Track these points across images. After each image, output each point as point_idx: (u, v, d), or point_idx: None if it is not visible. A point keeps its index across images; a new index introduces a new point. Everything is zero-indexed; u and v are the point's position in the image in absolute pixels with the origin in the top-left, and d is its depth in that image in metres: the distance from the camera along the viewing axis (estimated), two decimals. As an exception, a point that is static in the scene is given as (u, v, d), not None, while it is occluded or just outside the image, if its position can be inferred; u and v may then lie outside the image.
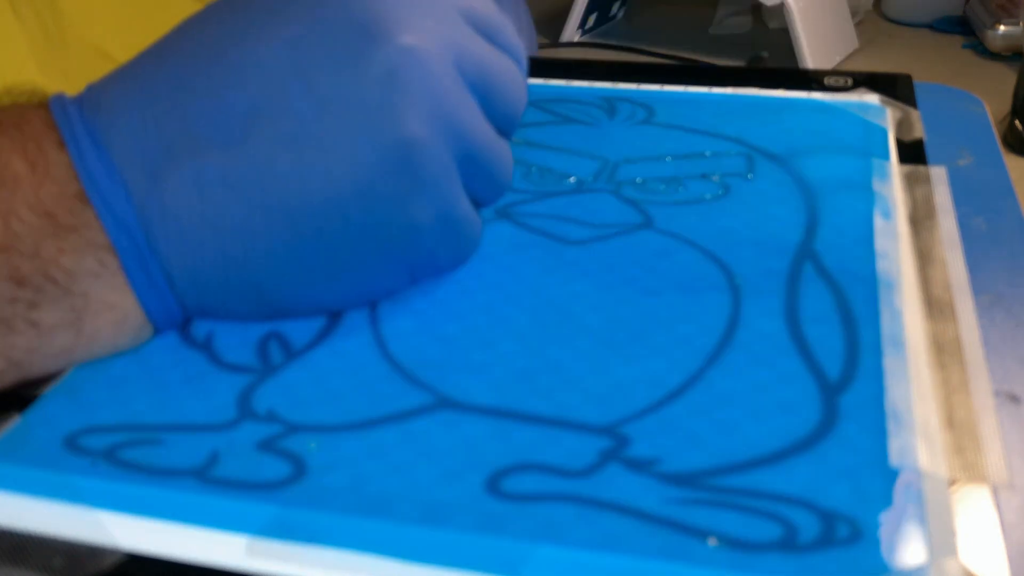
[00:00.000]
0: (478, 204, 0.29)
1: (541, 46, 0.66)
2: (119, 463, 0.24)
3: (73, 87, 0.27)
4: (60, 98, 0.26)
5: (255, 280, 0.27)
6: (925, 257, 0.31)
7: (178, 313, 0.27)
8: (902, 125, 0.41)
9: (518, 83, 0.28)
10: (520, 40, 0.29)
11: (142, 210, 0.25)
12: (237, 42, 0.25)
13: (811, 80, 0.45)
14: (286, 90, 0.25)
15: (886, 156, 0.38)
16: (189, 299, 0.27)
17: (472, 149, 0.27)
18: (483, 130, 0.27)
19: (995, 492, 0.22)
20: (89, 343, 0.26)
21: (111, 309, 0.26)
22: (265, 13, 0.26)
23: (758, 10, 0.70)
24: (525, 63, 0.29)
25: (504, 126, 0.28)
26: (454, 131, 0.26)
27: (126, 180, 0.25)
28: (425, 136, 0.25)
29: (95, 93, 0.26)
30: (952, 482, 0.23)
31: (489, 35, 0.28)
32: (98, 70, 0.27)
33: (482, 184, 0.28)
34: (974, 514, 0.22)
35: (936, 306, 0.29)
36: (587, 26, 0.69)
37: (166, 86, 0.26)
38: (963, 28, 0.67)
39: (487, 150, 0.27)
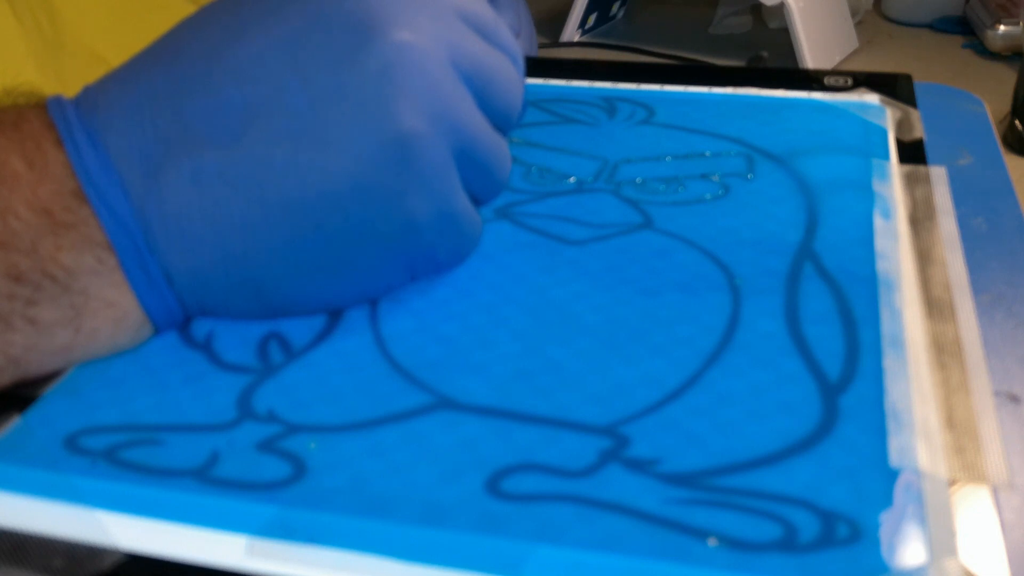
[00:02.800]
0: (477, 202, 0.29)
1: (541, 46, 0.66)
2: (119, 463, 0.24)
3: (69, 89, 0.27)
4: (58, 99, 0.26)
5: (254, 277, 0.27)
6: (925, 257, 0.31)
7: (177, 311, 0.27)
8: (902, 125, 0.41)
9: (514, 81, 0.28)
10: (516, 40, 0.29)
11: (140, 208, 0.25)
12: (233, 40, 0.26)
13: (811, 80, 0.45)
14: (282, 86, 0.25)
15: (886, 156, 0.38)
16: (188, 297, 0.27)
17: (469, 144, 0.27)
18: (480, 125, 0.27)
19: (995, 492, 0.22)
20: (88, 341, 0.26)
21: (110, 307, 0.26)
22: (260, 12, 0.26)
23: (758, 10, 0.70)
24: (522, 63, 0.30)
25: (501, 123, 0.28)
26: (451, 126, 0.26)
27: (124, 178, 0.25)
28: (422, 130, 0.25)
29: (92, 94, 0.26)
30: (952, 482, 0.23)
31: (485, 34, 0.28)
32: (94, 73, 0.27)
33: (480, 181, 0.28)
34: (974, 514, 0.22)
35: (936, 306, 0.29)
36: (587, 26, 0.69)
37: (163, 85, 0.26)
38: (963, 28, 0.67)
39: (484, 146, 0.27)
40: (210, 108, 0.25)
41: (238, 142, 0.25)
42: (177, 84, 0.25)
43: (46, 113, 0.26)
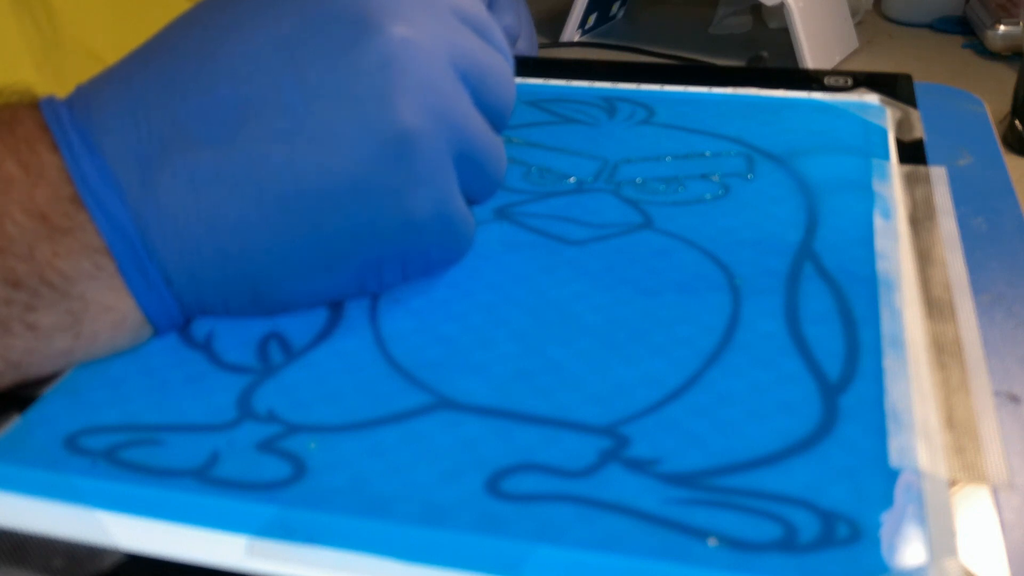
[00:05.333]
0: (471, 202, 0.29)
1: (541, 46, 0.66)
2: (119, 463, 0.24)
3: (68, 88, 0.27)
4: (51, 100, 0.26)
5: (252, 276, 0.27)
6: (925, 257, 0.31)
7: (177, 313, 0.27)
8: (902, 125, 0.41)
9: (508, 79, 0.28)
10: (506, 39, 0.29)
11: (137, 211, 0.25)
12: (226, 38, 0.25)
13: (811, 80, 0.45)
14: (277, 83, 0.25)
15: (886, 156, 0.38)
16: (188, 298, 0.27)
17: (467, 143, 0.27)
18: (478, 124, 0.27)
19: (995, 492, 0.22)
20: (88, 345, 0.26)
21: (109, 311, 0.26)
22: (254, 8, 0.26)
23: (758, 10, 0.70)
24: (512, 63, 0.30)
25: (495, 122, 0.28)
26: (449, 124, 0.26)
27: (119, 181, 0.25)
28: (422, 127, 0.25)
29: (85, 94, 0.26)
30: (952, 482, 0.23)
31: (479, 32, 0.28)
32: (92, 72, 0.27)
33: (476, 180, 0.28)
34: (974, 514, 0.22)
35: (936, 306, 0.29)
36: (587, 26, 0.69)
37: (156, 85, 0.25)
38: (963, 28, 0.67)
39: (482, 145, 0.27)
40: (204, 107, 0.25)
41: (233, 141, 0.25)
42: (171, 83, 0.25)
43: (39, 115, 0.26)
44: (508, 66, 0.29)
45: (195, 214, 0.25)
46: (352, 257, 0.27)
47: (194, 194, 0.25)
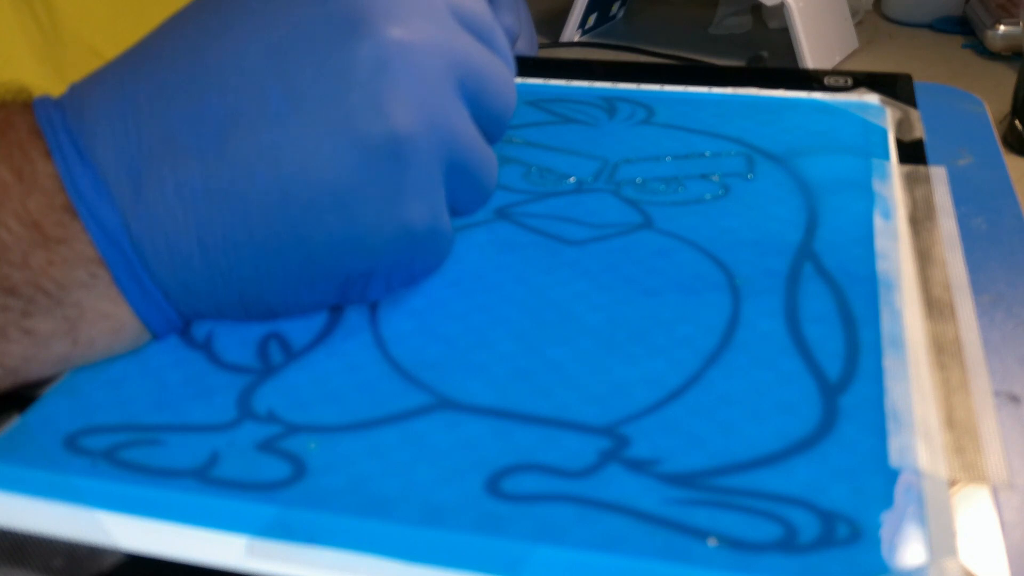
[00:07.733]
0: (457, 213, 0.28)
1: (541, 46, 0.66)
2: (119, 463, 0.24)
3: (69, 83, 0.26)
4: (44, 102, 0.26)
5: (243, 289, 0.26)
6: (925, 257, 0.31)
7: (176, 320, 0.27)
8: (902, 125, 0.41)
9: (509, 85, 0.28)
10: (507, 42, 0.29)
11: (129, 222, 0.25)
12: (217, 42, 0.25)
13: (811, 80, 0.45)
14: (264, 92, 0.24)
15: (886, 156, 0.38)
16: (183, 306, 0.27)
17: (460, 157, 0.26)
18: (472, 138, 0.26)
19: (995, 492, 0.22)
20: (86, 350, 0.26)
21: (106, 318, 0.26)
22: (241, 13, 0.25)
23: (758, 10, 0.70)
24: (514, 67, 0.29)
25: (492, 130, 0.28)
26: (443, 137, 0.25)
27: (112, 192, 0.25)
28: (414, 134, 0.24)
29: (79, 95, 0.26)
30: (952, 482, 0.23)
31: (480, 35, 0.27)
32: (92, 67, 0.26)
33: (465, 191, 0.27)
34: (974, 514, 0.22)
35: (936, 306, 0.29)
36: (587, 26, 0.69)
37: (147, 89, 0.25)
38: (963, 28, 0.67)
39: (475, 158, 0.27)
40: (192, 116, 0.24)
41: (220, 153, 0.24)
42: (161, 89, 0.25)
43: (33, 118, 0.25)
44: (510, 71, 0.28)
45: (184, 227, 0.25)
46: (339, 270, 0.26)
47: (183, 207, 0.24)
